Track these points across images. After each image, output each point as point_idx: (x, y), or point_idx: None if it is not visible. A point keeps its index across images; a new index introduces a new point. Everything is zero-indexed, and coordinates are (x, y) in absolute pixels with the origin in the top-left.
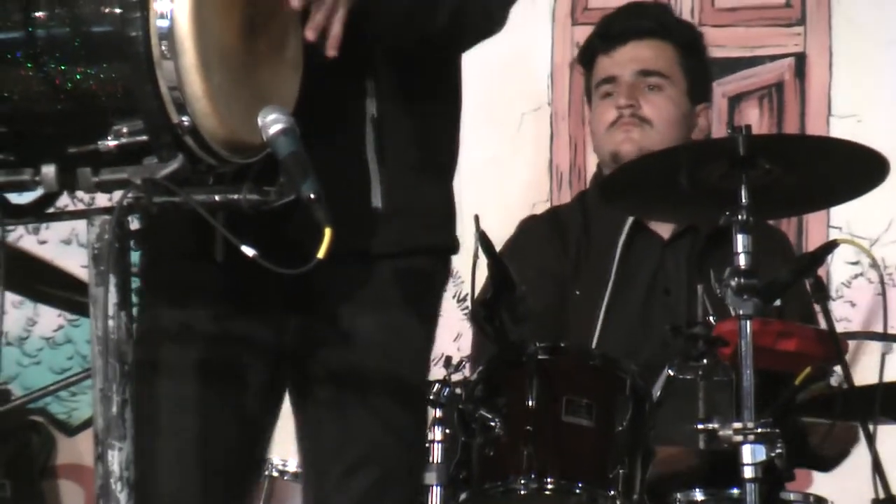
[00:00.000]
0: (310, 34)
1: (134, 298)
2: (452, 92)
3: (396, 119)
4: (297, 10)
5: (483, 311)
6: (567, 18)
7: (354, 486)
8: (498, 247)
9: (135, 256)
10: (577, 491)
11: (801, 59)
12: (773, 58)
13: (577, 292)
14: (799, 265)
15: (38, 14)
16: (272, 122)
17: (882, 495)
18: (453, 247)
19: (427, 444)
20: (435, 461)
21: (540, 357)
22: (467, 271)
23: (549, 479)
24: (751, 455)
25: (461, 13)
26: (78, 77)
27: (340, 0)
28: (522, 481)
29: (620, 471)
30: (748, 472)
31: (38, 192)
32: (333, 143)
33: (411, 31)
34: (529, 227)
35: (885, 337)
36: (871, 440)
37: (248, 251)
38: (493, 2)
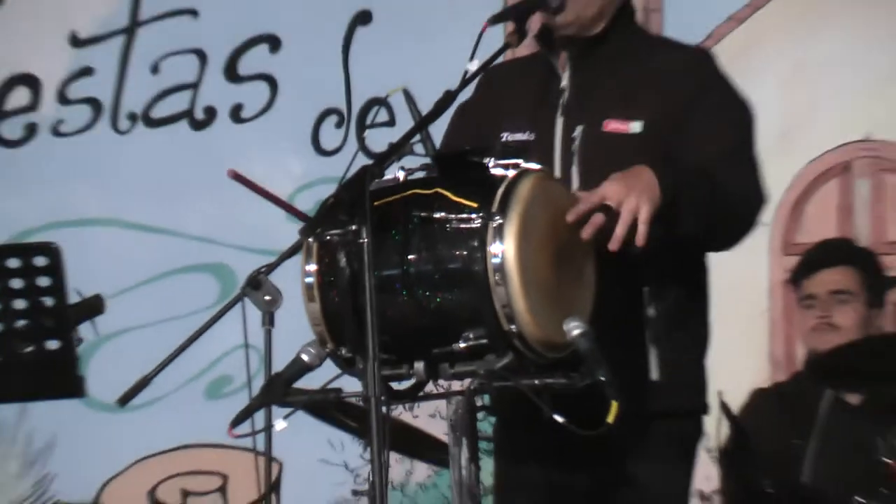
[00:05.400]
0: (613, 246)
1: None
2: (702, 289)
3: (668, 316)
4: (589, 239)
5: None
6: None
7: None
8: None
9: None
10: None
11: None
12: None
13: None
14: None
15: (411, 256)
16: (574, 328)
17: None
18: (706, 410)
19: None
20: None
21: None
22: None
23: None
24: None
25: (745, 222)
26: (438, 300)
27: (641, 202)
28: None
29: None
30: None
31: (412, 381)
32: (620, 339)
33: (710, 239)
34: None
35: None
36: None
37: (559, 418)
38: (755, 211)
